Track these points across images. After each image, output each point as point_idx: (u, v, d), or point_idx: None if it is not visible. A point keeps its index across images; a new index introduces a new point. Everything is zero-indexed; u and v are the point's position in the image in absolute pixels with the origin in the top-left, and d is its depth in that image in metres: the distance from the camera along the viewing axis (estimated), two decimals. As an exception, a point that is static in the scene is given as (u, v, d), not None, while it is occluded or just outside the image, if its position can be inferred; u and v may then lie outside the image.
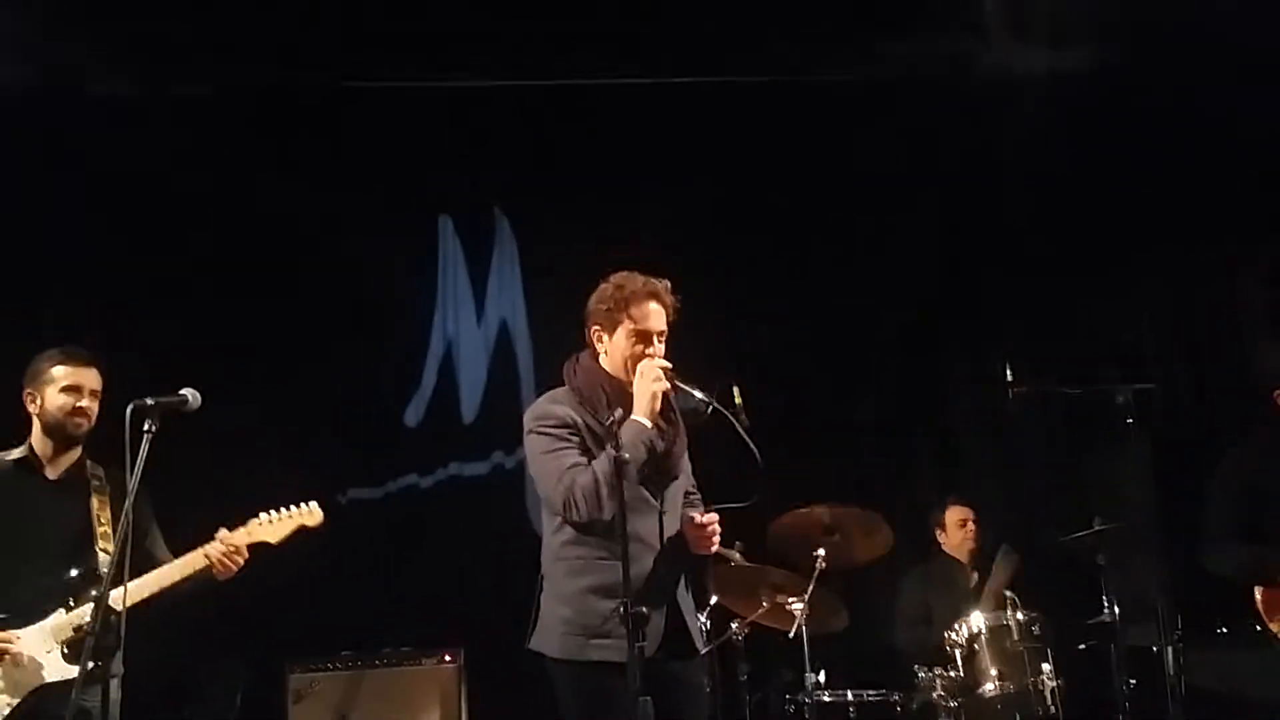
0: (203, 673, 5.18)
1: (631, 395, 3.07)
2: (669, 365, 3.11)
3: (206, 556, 3.39)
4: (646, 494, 3.09)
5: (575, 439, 3.09)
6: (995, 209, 5.62)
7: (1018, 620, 4.42)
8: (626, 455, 2.90)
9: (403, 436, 5.74)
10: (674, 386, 3.09)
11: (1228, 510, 3.93)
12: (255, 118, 5.49)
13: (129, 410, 3.06)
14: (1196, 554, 3.97)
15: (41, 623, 3.29)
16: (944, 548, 5.20)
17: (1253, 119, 5.16)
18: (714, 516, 3.12)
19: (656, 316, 3.15)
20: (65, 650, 3.26)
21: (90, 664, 2.98)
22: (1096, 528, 4.51)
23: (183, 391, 3.17)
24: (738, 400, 4.63)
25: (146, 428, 3.03)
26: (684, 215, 5.39)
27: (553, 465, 3.07)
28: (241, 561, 3.43)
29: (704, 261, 5.47)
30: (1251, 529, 3.87)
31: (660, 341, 3.16)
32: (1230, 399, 5.68)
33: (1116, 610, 4.43)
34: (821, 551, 4.40)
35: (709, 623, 4.51)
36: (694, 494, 3.36)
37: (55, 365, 3.47)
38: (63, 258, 5.25)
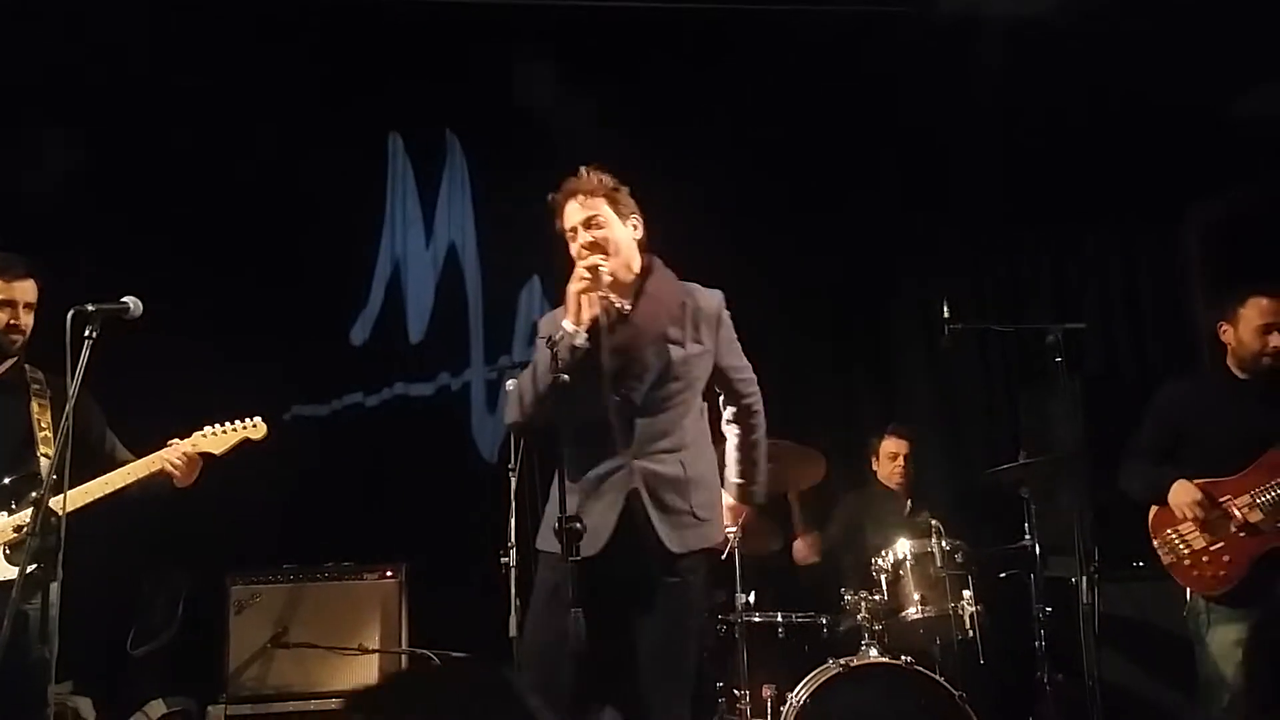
0: (145, 582, 5.22)
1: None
2: (595, 264, 3.00)
3: (165, 460, 3.42)
4: (607, 397, 3.02)
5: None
6: (938, 148, 5.69)
7: (942, 548, 4.56)
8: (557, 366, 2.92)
9: (348, 355, 5.75)
10: (598, 289, 2.99)
11: (1150, 436, 4.08)
12: (203, 29, 5.37)
13: (69, 316, 3.06)
14: (1118, 473, 4.13)
15: (-16, 523, 3.30)
16: (878, 476, 5.35)
17: (1199, 68, 5.24)
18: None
19: (573, 212, 3.11)
20: (7, 551, 3.28)
21: (31, 566, 3.02)
22: (1021, 461, 4.68)
23: (124, 299, 3.16)
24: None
25: (87, 334, 3.05)
26: (634, 146, 5.37)
27: None
28: (198, 468, 3.47)
29: (651, 194, 5.50)
30: (1167, 459, 4.03)
31: (590, 229, 3.07)
32: (1161, 341, 5.87)
33: (1037, 543, 4.62)
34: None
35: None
36: (746, 396, 3.21)
37: None
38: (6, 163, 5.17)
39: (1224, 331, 4.03)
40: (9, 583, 3.09)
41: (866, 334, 6.02)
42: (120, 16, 5.18)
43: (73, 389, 3.02)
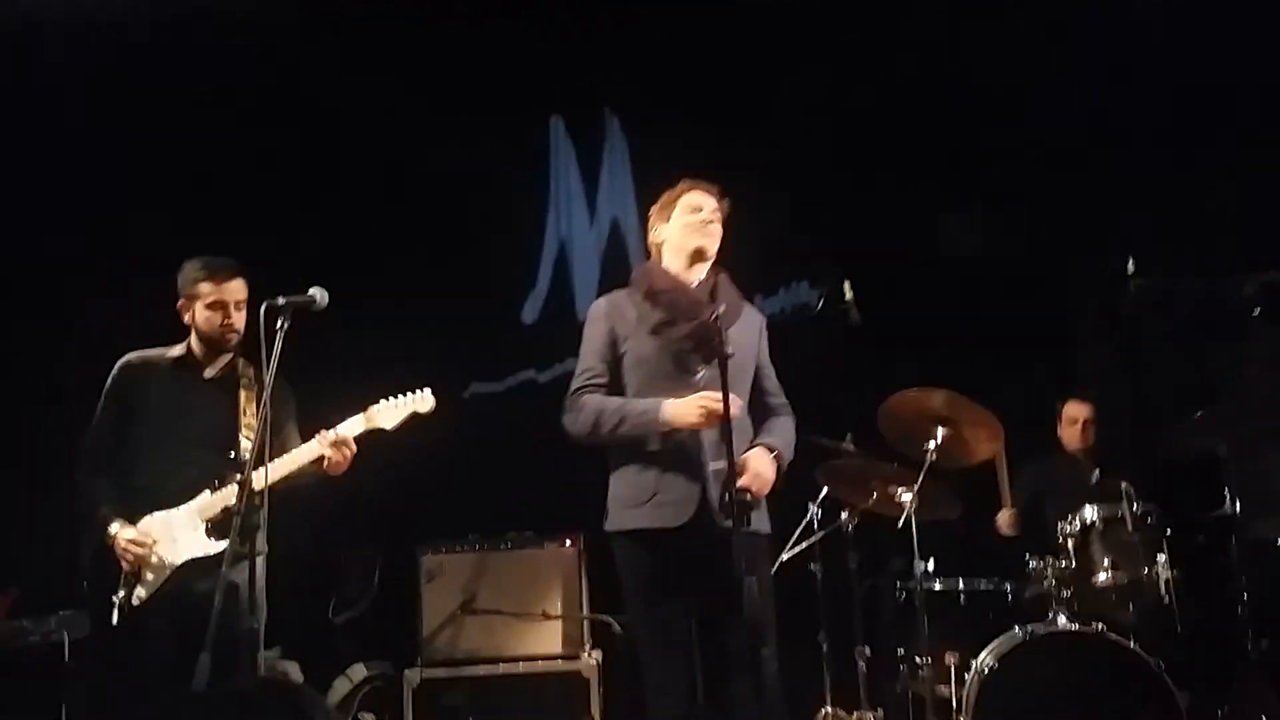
0: (342, 556, 5.54)
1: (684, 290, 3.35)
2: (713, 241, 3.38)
3: (323, 444, 3.52)
4: (683, 368, 3.25)
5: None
6: (1113, 100, 5.41)
7: (1132, 511, 4.36)
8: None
9: (520, 334, 5.92)
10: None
11: None
12: (371, 21, 5.61)
13: (263, 309, 3.24)
14: None
15: (189, 503, 3.53)
16: (1062, 442, 5.16)
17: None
18: (753, 476, 3.17)
19: (698, 198, 3.47)
20: (210, 528, 3.50)
21: (238, 542, 3.22)
22: (1218, 418, 4.41)
23: (311, 291, 3.32)
24: (849, 295, 4.63)
25: (279, 325, 3.22)
26: (790, 116, 5.33)
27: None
28: (350, 454, 3.54)
29: (811, 160, 5.46)
30: None
31: (712, 220, 3.42)
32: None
33: (1238, 504, 4.36)
34: (932, 444, 4.35)
35: (819, 511, 4.61)
36: (775, 397, 3.44)
37: (201, 282, 3.59)
38: (214, 169, 5.54)
39: None
40: (215, 557, 3.34)
41: (1044, 296, 5.78)
42: (290, 21, 5.46)
43: (268, 378, 3.21)
